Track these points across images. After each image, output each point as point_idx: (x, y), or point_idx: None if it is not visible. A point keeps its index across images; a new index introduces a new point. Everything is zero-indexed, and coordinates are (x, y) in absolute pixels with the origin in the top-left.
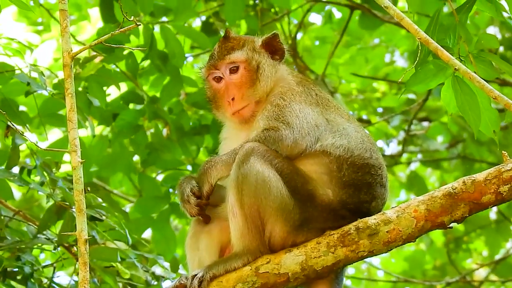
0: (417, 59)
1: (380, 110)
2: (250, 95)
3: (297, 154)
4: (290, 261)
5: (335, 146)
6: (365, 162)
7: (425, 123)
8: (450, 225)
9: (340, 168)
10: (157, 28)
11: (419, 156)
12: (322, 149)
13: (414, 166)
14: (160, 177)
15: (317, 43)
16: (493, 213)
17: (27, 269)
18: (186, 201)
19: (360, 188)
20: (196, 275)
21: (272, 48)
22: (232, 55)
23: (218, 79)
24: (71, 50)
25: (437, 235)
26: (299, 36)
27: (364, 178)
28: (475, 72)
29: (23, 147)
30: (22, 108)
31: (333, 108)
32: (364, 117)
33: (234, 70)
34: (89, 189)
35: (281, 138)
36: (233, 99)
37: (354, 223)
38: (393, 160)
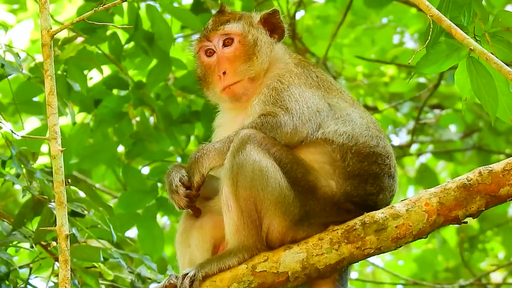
0: (429, 38)
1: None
2: (244, 70)
3: (297, 142)
4: (290, 259)
5: (338, 133)
6: (371, 151)
7: (437, 111)
8: (465, 220)
9: (344, 158)
10: (143, 7)
11: (430, 147)
12: (324, 136)
13: (424, 158)
14: (146, 170)
15: (318, 22)
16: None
17: (2, 269)
18: (174, 192)
19: (366, 179)
20: (187, 274)
21: (271, 25)
22: (227, 26)
23: (210, 53)
24: (51, 28)
25: (450, 234)
26: (299, 15)
27: (371, 168)
28: (492, 53)
29: None
30: None
31: (335, 92)
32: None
33: (228, 43)
34: (69, 181)
35: (280, 124)
36: (224, 73)
37: (360, 218)
38: (402, 151)
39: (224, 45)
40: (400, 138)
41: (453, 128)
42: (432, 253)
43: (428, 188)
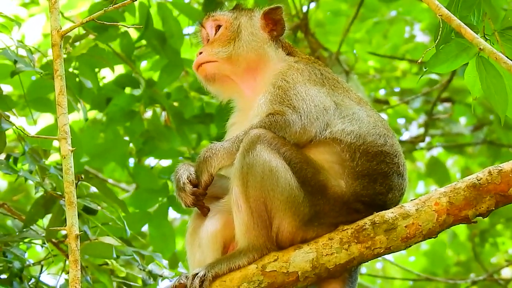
0: (438, 37)
1: (397, 89)
2: (219, 52)
3: (305, 141)
4: (300, 259)
5: (345, 132)
6: (379, 150)
7: (447, 104)
8: (475, 220)
9: (353, 157)
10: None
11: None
12: (332, 136)
13: (435, 151)
14: (154, 163)
15: (329, 17)
16: None
17: (16, 264)
18: (181, 189)
19: (375, 179)
20: (197, 274)
21: (273, 21)
22: (216, 13)
23: (207, 42)
24: (61, 28)
25: (461, 228)
26: (311, 10)
27: (379, 167)
28: (501, 52)
29: (9, 131)
30: (6, 87)
31: (341, 89)
32: (382, 92)
33: (217, 30)
34: (82, 177)
35: (289, 123)
36: (201, 53)
37: (370, 217)
38: (412, 145)
39: (216, 32)
40: (410, 132)
41: (463, 120)
42: (442, 246)
43: (438, 180)
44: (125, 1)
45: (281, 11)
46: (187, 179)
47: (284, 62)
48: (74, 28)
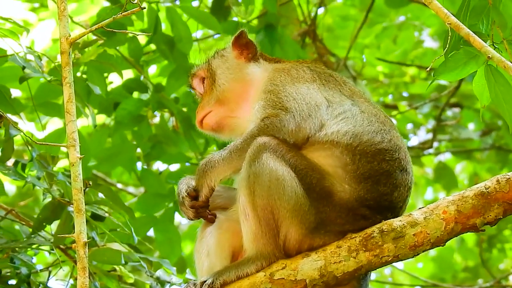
0: (447, 46)
1: (405, 94)
2: (208, 100)
3: (302, 139)
4: (308, 267)
5: (341, 133)
6: (377, 148)
7: (456, 109)
8: (483, 228)
9: (353, 160)
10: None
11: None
12: (328, 138)
13: (443, 157)
14: (162, 167)
15: (338, 21)
16: None
17: (23, 270)
18: (181, 204)
19: (378, 180)
20: (205, 281)
21: (243, 46)
22: (194, 69)
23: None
24: (69, 36)
25: (468, 233)
26: (319, 15)
27: (381, 167)
28: (510, 61)
29: (18, 137)
30: (14, 92)
31: (333, 83)
32: (390, 97)
33: (204, 83)
34: (90, 183)
35: (284, 124)
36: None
37: (378, 225)
38: (421, 150)
39: (204, 86)
40: (418, 137)
41: (471, 126)
42: (450, 252)
43: (446, 185)
44: (133, 9)
45: (245, 34)
46: (186, 192)
47: (270, 69)
48: (83, 36)
